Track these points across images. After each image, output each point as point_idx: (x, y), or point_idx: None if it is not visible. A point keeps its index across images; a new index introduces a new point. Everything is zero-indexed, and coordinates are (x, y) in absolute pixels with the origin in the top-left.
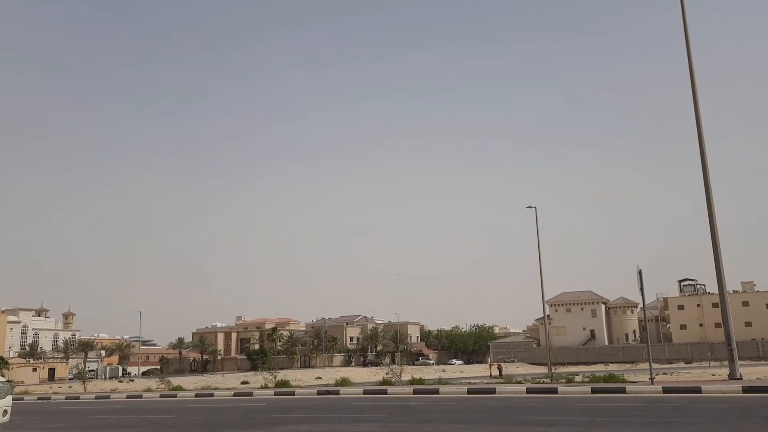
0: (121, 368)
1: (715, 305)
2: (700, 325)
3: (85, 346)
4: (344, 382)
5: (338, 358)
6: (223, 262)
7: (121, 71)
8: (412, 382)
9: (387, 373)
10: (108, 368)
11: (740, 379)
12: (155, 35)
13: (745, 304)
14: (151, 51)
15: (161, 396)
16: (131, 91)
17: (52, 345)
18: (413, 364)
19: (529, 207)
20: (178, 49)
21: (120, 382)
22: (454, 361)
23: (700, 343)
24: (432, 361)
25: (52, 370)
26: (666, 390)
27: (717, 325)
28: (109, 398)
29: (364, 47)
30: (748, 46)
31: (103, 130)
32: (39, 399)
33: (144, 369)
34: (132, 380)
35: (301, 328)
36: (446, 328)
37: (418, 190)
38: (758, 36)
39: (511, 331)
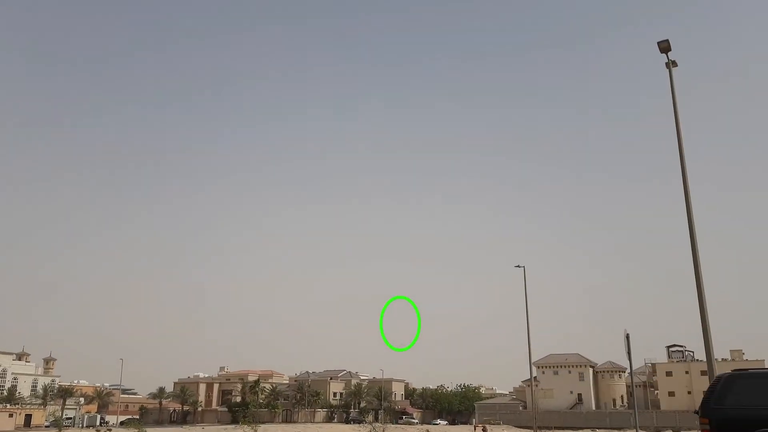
0: (99, 417)
1: (703, 373)
2: (689, 392)
3: (64, 393)
4: None
5: (321, 413)
6: (208, 312)
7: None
8: None
9: None
10: (86, 416)
11: None
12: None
13: None
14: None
15: None
16: (103, 142)
17: (31, 390)
18: (397, 423)
19: (518, 266)
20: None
21: (97, 431)
22: (438, 421)
23: (688, 411)
24: (416, 421)
25: (28, 417)
26: None
27: None
28: None
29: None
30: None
31: (91, 168)
32: None
33: (123, 418)
34: (110, 430)
35: (285, 381)
36: (431, 387)
37: (405, 249)
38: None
39: (498, 392)
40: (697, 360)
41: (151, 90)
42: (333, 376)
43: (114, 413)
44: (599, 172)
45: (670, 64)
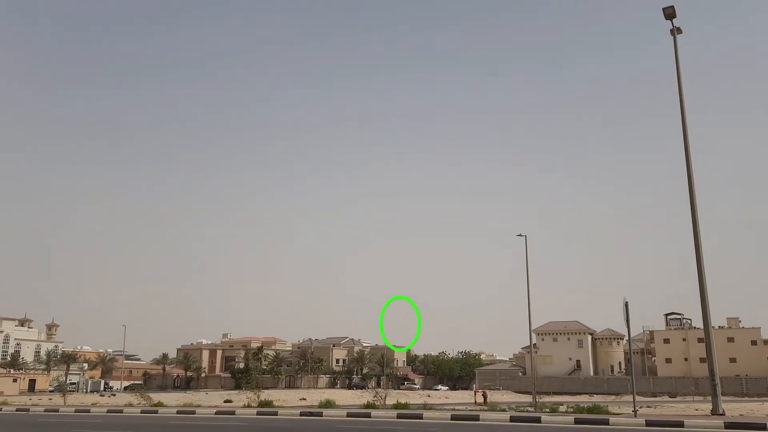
0: (102, 382)
1: (700, 340)
2: (685, 359)
3: (68, 359)
4: (328, 404)
5: (324, 379)
6: (211, 279)
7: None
8: (397, 406)
9: (372, 397)
10: (90, 382)
11: (723, 414)
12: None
13: (730, 340)
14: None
15: (142, 412)
16: (119, 103)
17: (35, 356)
18: (399, 389)
19: (520, 235)
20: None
21: (101, 396)
22: (439, 386)
23: (684, 377)
24: (417, 386)
25: (32, 382)
26: (649, 423)
27: (702, 360)
28: (89, 412)
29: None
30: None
31: (95, 137)
32: (17, 410)
33: (126, 384)
34: (113, 395)
35: (288, 348)
36: (433, 354)
37: (408, 215)
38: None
39: (498, 358)
40: (695, 327)
41: (171, 59)
42: (336, 343)
43: (118, 379)
44: (602, 141)
45: (675, 31)
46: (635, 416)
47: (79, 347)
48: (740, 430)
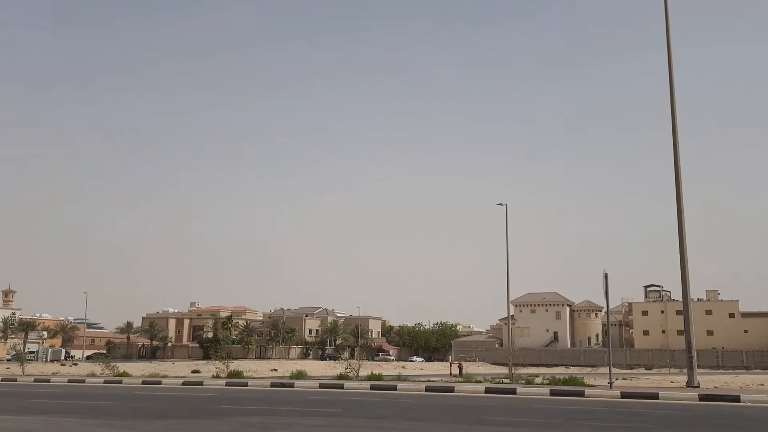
0: (64, 351)
1: (678, 312)
2: (663, 331)
3: (26, 326)
4: (300, 375)
5: (296, 350)
6: (178, 246)
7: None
8: (370, 377)
9: (345, 368)
10: (50, 350)
11: (698, 387)
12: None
13: (708, 312)
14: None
15: (105, 382)
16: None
17: None
18: (373, 360)
19: (500, 204)
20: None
21: (62, 365)
22: (415, 358)
23: (661, 349)
24: (392, 357)
25: None
26: (624, 395)
27: (679, 333)
28: (49, 382)
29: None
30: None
31: (54, 98)
32: None
33: (89, 353)
34: (75, 364)
35: (259, 318)
36: (409, 325)
37: (384, 182)
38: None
39: (475, 330)
40: (673, 300)
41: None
42: (308, 313)
43: (79, 348)
44: (583, 111)
45: None
46: (611, 388)
47: (38, 315)
48: (714, 402)
